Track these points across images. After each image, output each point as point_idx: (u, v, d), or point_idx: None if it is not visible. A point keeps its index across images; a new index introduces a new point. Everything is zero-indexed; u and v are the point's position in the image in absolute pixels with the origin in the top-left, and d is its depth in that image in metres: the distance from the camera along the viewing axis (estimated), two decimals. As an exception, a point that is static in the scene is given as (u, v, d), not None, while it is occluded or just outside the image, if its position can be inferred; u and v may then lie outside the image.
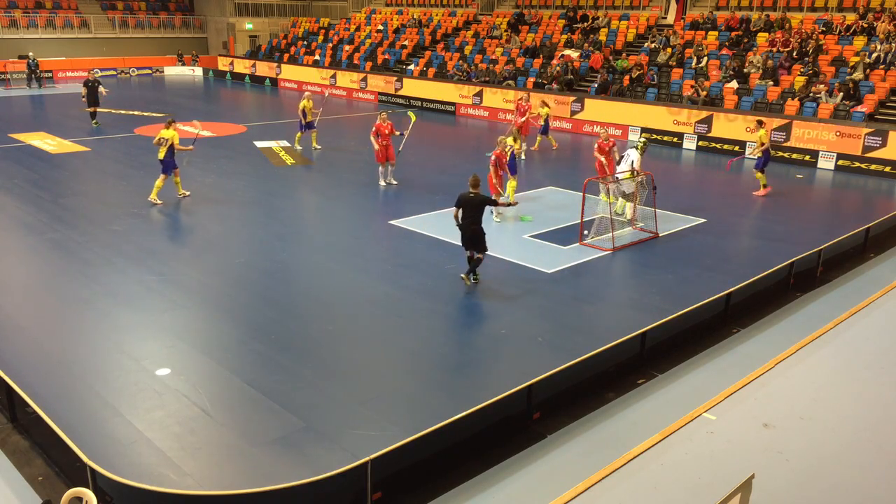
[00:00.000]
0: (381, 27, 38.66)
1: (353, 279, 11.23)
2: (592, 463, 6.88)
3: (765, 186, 16.93)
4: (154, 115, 27.70)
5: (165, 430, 7.11)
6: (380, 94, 33.53)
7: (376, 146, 16.62)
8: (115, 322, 9.57)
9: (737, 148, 21.79)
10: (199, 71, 44.08)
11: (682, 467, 6.86)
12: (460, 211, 10.56)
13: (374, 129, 16.65)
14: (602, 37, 29.65)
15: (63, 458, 6.59)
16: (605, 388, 8.24)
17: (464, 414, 6.75)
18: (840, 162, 20.24)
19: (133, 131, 24.16)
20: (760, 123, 17.06)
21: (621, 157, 14.56)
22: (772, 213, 15.62)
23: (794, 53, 24.14)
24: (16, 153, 20.08)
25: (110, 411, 7.44)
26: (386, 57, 35.62)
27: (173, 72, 44.11)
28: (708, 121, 23.08)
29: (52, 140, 22.08)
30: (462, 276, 10.93)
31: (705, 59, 25.94)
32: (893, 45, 22.31)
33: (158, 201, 15.13)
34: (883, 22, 23.65)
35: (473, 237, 10.58)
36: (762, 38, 25.86)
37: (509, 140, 14.96)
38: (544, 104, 21.86)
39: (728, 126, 22.64)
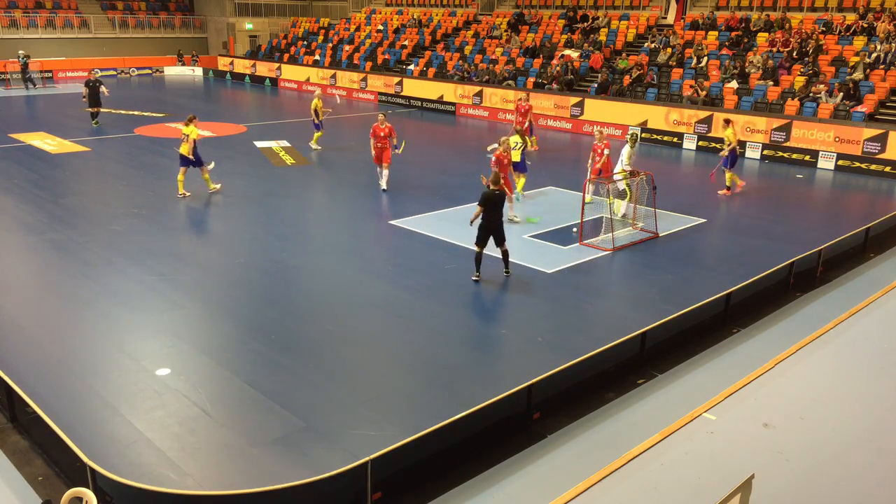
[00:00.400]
0: (381, 27, 38.67)
1: (354, 279, 11.23)
2: (592, 463, 6.88)
3: (728, 188, 16.81)
4: (154, 114, 27.71)
5: (165, 430, 7.11)
6: (380, 94, 33.54)
7: (372, 149, 16.60)
8: (115, 322, 9.56)
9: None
10: (199, 71, 44.09)
11: (682, 467, 6.86)
12: (482, 209, 10.81)
13: (371, 129, 16.63)
14: (602, 37, 29.65)
15: (63, 458, 6.59)
16: (605, 388, 8.24)
17: (464, 414, 6.76)
18: (840, 162, 20.24)
19: (133, 131, 24.16)
20: (728, 122, 16.81)
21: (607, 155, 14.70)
22: (772, 213, 15.61)
23: (794, 53, 24.15)
24: (16, 153, 20.08)
25: (110, 411, 7.44)
26: (386, 57, 35.63)
27: (173, 72, 44.11)
28: (708, 121, 23.08)
29: (52, 140, 22.08)
30: (473, 277, 11.05)
31: (705, 59, 25.94)
32: (893, 45, 22.31)
33: (216, 187, 16.19)
34: (883, 22, 23.65)
35: (499, 231, 10.99)
36: (762, 38, 25.87)
37: (511, 140, 14.98)
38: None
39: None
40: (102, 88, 24.79)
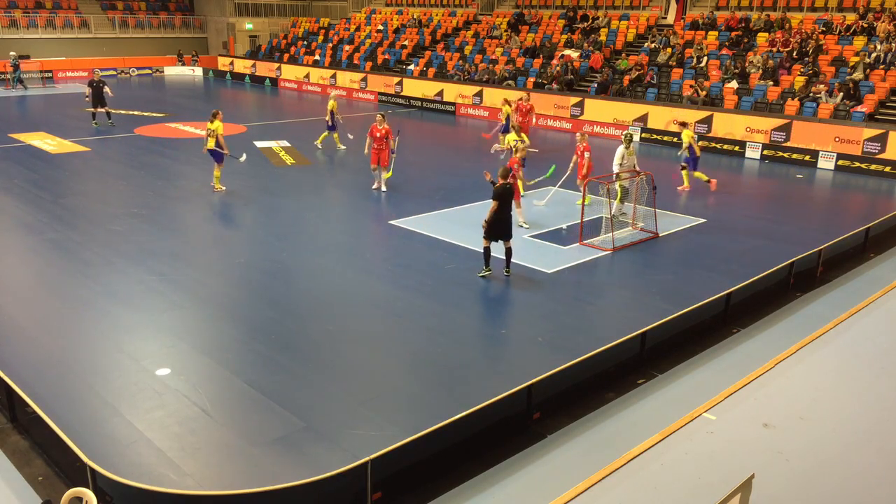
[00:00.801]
0: (381, 27, 38.67)
1: (354, 279, 11.23)
2: (592, 463, 6.88)
3: (687, 184, 16.89)
4: (154, 114, 27.71)
5: (165, 430, 7.10)
6: (380, 94, 33.53)
7: (366, 148, 16.54)
8: (115, 322, 9.56)
9: (736, 148, 21.87)
10: (199, 71, 44.08)
11: (682, 467, 6.86)
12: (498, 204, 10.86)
13: (369, 129, 16.57)
14: (602, 37, 29.65)
15: (63, 458, 6.59)
16: (605, 388, 8.24)
17: (464, 414, 6.75)
18: (840, 162, 20.24)
19: (133, 131, 24.15)
20: (683, 125, 16.86)
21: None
22: (772, 213, 15.62)
23: (794, 53, 24.15)
24: (16, 153, 20.08)
25: (110, 411, 7.44)
26: (386, 57, 35.63)
27: (173, 72, 44.11)
28: (708, 121, 23.08)
29: (52, 140, 22.07)
30: (482, 273, 11.10)
31: (705, 59, 25.94)
32: (893, 45, 22.31)
33: (221, 188, 16.34)
34: (883, 22, 23.65)
35: (507, 225, 11.02)
36: (762, 38, 25.87)
37: (510, 139, 14.97)
38: (506, 102, 21.74)
39: (728, 126, 22.64)
40: (106, 89, 24.80)
